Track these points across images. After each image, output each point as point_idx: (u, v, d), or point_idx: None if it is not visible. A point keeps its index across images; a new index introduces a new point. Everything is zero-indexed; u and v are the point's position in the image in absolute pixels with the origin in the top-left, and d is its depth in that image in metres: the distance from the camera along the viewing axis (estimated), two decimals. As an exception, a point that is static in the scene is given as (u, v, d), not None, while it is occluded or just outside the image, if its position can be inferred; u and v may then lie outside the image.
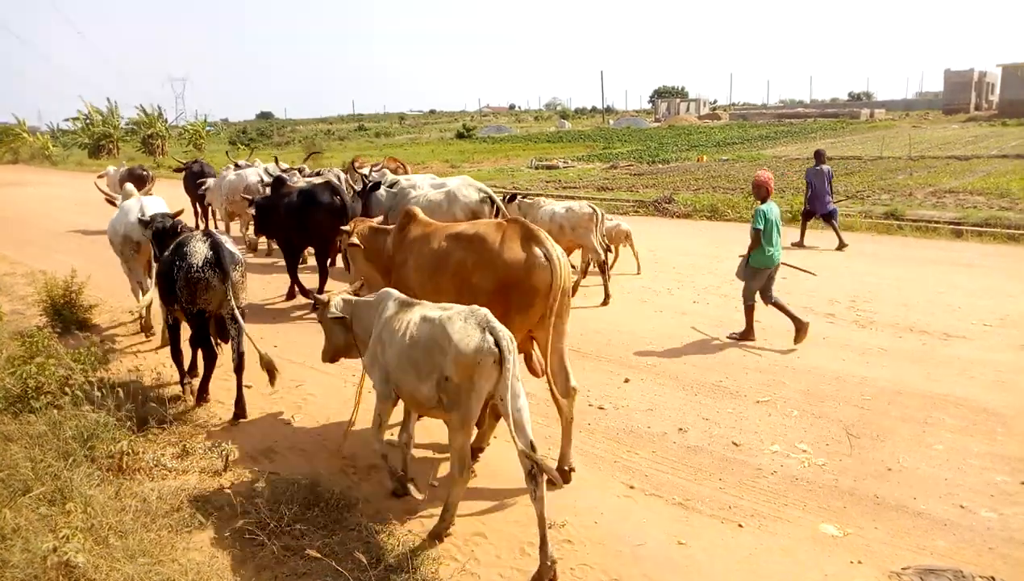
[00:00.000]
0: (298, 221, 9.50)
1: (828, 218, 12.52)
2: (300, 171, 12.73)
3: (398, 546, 4.29)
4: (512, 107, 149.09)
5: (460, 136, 62.04)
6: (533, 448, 3.99)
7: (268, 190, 10.50)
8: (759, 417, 6.04)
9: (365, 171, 11.34)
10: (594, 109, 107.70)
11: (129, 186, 9.24)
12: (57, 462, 4.85)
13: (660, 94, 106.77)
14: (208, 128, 55.15)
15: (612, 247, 10.75)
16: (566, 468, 5.05)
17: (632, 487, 5.01)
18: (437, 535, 4.40)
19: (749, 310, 7.80)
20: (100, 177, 15.73)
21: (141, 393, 6.39)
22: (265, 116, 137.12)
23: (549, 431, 5.57)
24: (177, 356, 6.84)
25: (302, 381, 7.06)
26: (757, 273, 7.68)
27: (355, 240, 5.94)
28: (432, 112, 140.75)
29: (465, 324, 4.06)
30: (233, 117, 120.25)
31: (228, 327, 6.19)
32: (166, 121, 49.64)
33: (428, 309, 4.38)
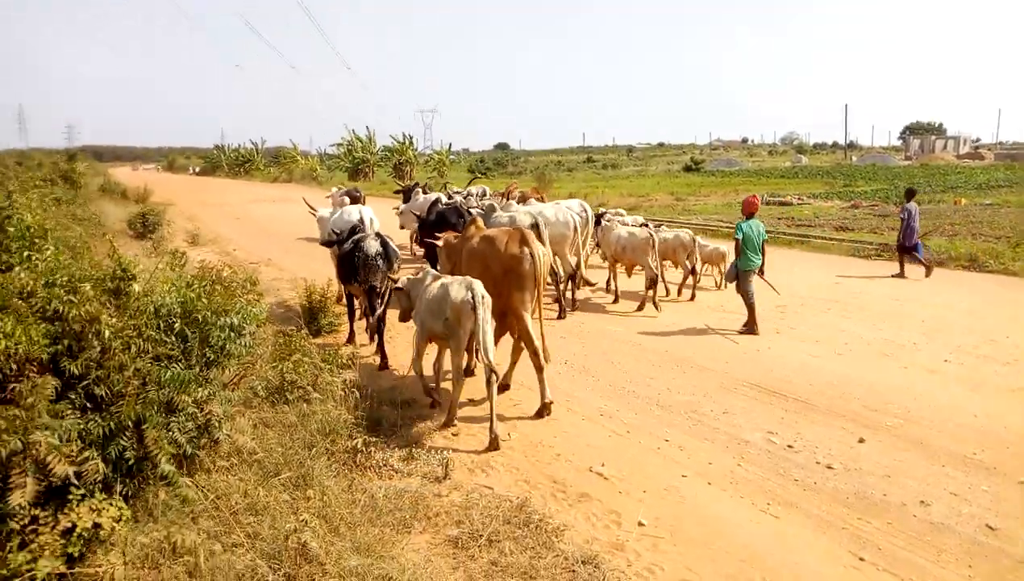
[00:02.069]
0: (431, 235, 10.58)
1: (913, 250, 13.65)
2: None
3: (603, 580, 4.24)
4: (745, 141, 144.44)
5: (688, 169, 61.27)
6: (491, 363, 6.23)
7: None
8: (1022, 500, 5.25)
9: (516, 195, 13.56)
10: (835, 145, 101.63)
11: (346, 199, 12.76)
12: (302, 451, 5.37)
13: (912, 130, 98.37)
14: (451, 157, 58.96)
15: (709, 267, 12.96)
16: (547, 402, 6.86)
17: (862, 559, 4.55)
18: (446, 425, 6.56)
19: (751, 307, 9.58)
20: (328, 197, 17.45)
21: (377, 396, 6.90)
22: (502, 147, 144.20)
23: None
24: (351, 318, 9.60)
25: (519, 401, 7.27)
26: (745, 275, 9.58)
27: (439, 242, 8.23)
28: (661, 145, 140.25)
29: (458, 287, 6.37)
30: (473, 147, 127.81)
31: (375, 301, 8.43)
32: (415, 149, 53.90)
33: (444, 279, 6.68)
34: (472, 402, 7.24)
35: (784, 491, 5.41)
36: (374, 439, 5.94)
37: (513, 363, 7.50)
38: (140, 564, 3.92)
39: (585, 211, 11.64)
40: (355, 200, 14.25)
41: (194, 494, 4.46)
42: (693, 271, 11.93)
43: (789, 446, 6.16)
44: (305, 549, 4.07)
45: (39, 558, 3.67)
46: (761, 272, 9.73)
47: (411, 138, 53.08)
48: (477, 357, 7.40)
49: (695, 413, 6.91)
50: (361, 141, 54.29)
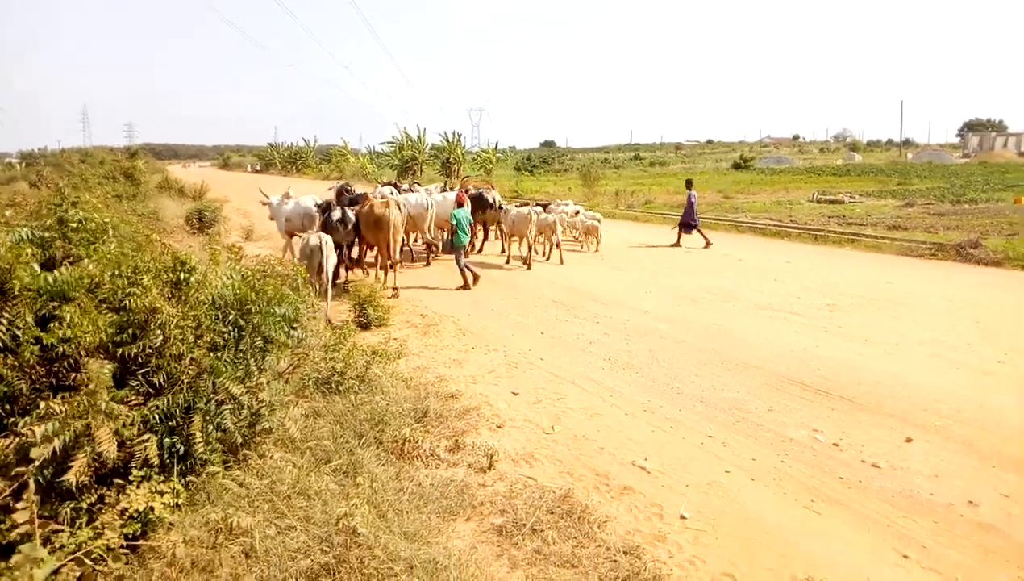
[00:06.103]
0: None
1: (694, 228, 18.12)
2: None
3: (644, 570, 4.29)
4: (796, 138, 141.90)
5: (736, 166, 60.57)
6: (333, 283, 10.96)
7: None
8: (1078, 503, 5.14)
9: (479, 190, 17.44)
10: (890, 142, 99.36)
11: (292, 192, 15.31)
12: (352, 440, 5.54)
13: (971, 127, 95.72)
14: (498, 155, 59.05)
15: (587, 235, 17.50)
16: (395, 287, 12.31)
17: (906, 556, 4.53)
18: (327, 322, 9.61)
19: (463, 270, 12.76)
20: (329, 190, 17.81)
21: (423, 388, 7.04)
22: (548, 144, 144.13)
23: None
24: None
25: (564, 395, 7.34)
26: (459, 249, 12.87)
27: (361, 207, 13.06)
28: (709, 142, 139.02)
29: (314, 237, 10.39)
30: (520, 144, 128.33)
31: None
32: (463, 147, 54.15)
33: (307, 236, 10.67)
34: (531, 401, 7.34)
35: (828, 488, 5.39)
36: (421, 429, 6.08)
37: (386, 275, 12.84)
38: (199, 543, 4.11)
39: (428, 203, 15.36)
40: (346, 191, 16.33)
41: (231, 484, 4.65)
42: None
43: (834, 444, 6.12)
44: (355, 533, 4.22)
45: (101, 535, 3.89)
46: (472, 246, 14.47)
47: (459, 136, 53.36)
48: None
49: (739, 410, 6.90)
50: (411, 140, 54.75)
